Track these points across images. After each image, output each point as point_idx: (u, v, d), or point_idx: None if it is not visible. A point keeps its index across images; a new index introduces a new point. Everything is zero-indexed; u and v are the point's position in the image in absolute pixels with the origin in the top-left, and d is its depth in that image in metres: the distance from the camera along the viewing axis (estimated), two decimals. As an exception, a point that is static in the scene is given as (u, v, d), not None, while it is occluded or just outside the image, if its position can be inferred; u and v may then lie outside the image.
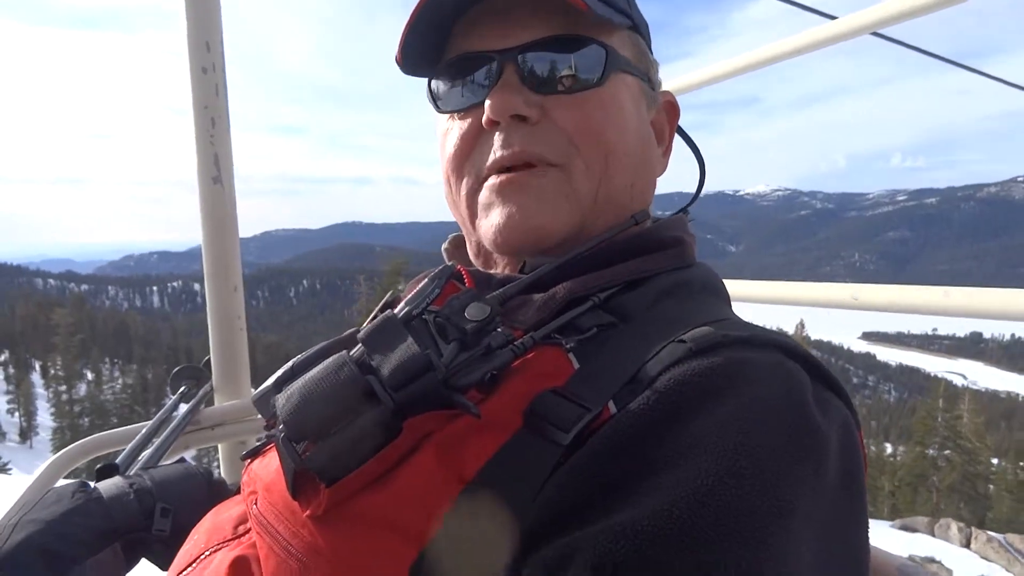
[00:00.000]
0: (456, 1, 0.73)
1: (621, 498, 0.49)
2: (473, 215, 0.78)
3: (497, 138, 0.73)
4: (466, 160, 0.77)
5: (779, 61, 1.42)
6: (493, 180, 0.74)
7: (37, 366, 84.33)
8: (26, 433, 66.58)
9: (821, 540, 0.49)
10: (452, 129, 0.78)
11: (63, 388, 66.98)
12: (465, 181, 0.78)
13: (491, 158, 0.74)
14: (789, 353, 0.60)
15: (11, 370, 78.25)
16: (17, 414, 68.70)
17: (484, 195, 0.75)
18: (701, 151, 0.94)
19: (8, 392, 71.30)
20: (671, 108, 0.88)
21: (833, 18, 1.31)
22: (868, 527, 0.56)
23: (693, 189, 0.95)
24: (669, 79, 1.77)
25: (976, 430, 36.69)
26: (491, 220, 0.74)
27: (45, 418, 69.95)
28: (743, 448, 0.49)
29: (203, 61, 1.48)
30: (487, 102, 0.72)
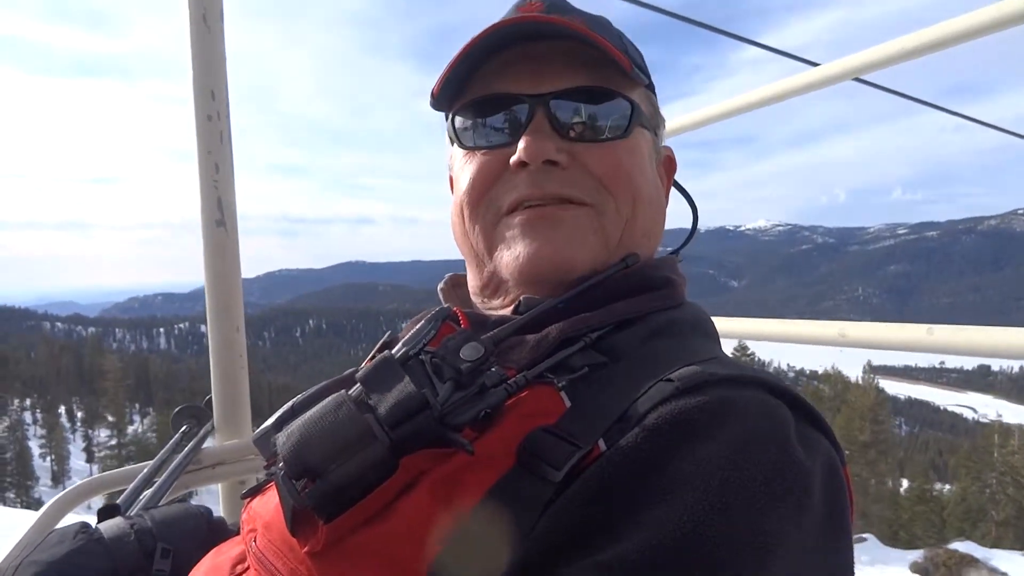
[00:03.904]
0: (497, 43, 0.75)
1: (610, 534, 0.50)
2: (491, 246, 0.79)
3: (524, 178, 0.75)
4: (485, 195, 0.79)
5: (769, 104, 1.47)
6: (521, 214, 0.76)
7: (63, 410, 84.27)
8: (58, 477, 66.34)
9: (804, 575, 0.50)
10: (472, 164, 0.80)
11: (111, 432, 67.07)
12: (482, 215, 0.80)
13: (515, 195, 0.76)
14: (773, 391, 0.61)
15: (39, 414, 78.37)
16: (49, 458, 68.35)
17: (509, 229, 0.77)
18: (694, 200, 0.97)
19: (40, 436, 71.22)
20: (669, 162, 0.92)
21: (815, 64, 1.37)
22: (853, 562, 0.57)
23: (688, 226, 0.98)
24: (667, 120, 1.83)
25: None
26: (516, 250, 0.76)
27: (75, 463, 69.73)
28: (728, 485, 0.50)
29: (208, 109, 1.53)
30: (521, 144, 0.74)
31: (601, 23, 0.81)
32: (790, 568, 0.49)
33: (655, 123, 0.86)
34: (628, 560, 0.47)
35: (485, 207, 0.79)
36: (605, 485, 0.54)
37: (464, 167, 0.81)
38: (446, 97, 0.82)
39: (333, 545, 0.55)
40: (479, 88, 0.79)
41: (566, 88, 0.76)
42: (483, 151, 0.79)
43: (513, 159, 0.75)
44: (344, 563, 0.54)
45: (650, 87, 0.85)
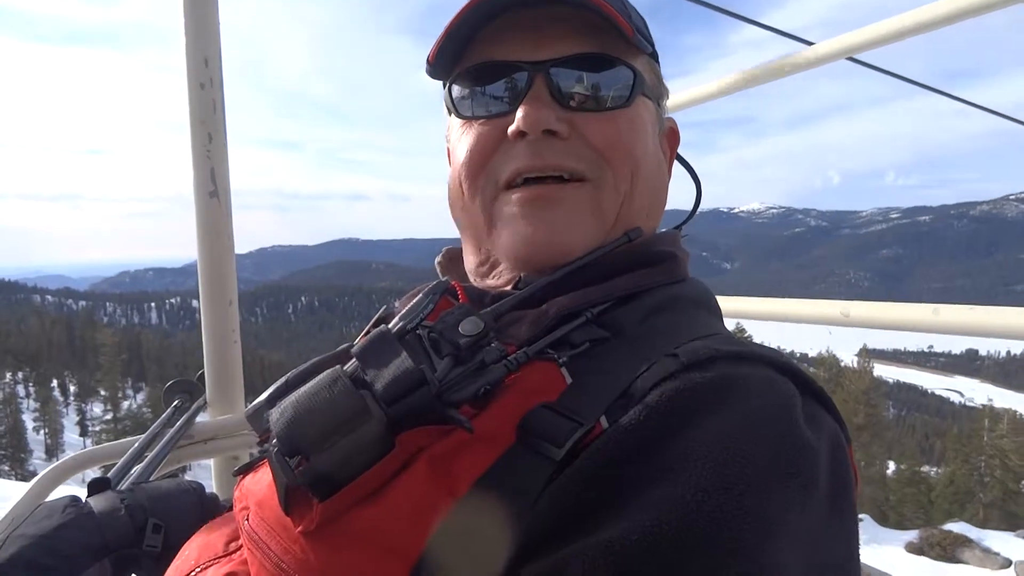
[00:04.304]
0: (494, 6, 0.72)
1: (612, 512, 0.49)
2: (491, 224, 0.77)
3: (523, 148, 0.73)
4: (484, 167, 0.76)
5: (761, 84, 1.46)
6: (519, 192, 0.74)
7: (55, 384, 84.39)
8: (52, 451, 66.61)
9: (809, 555, 0.49)
10: (469, 135, 0.77)
11: (106, 407, 67.03)
12: (481, 188, 0.77)
13: (513, 165, 0.73)
14: (779, 368, 0.60)
15: (32, 387, 78.60)
16: (43, 432, 68.48)
17: (507, 207, 0.75)
18: (697, 174, 0.95)
19: (33, 410, 71.32)
20: (672, 135, 0.89)
21: (810, 44, 1.35)
22: (858, 542, 0.56)
23: (688, 206, 0.96)
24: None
25: (1018, 449, 37.06)
26: (513, 234, 0.74)
27: (69, 436, 69.94)
28: (732, 464, 0.49)
29: (201, 76, 1.49)
30: (519, 113, 0.71)
31: None
32: (794, 549, 0.48)
33: (658, 93, 0.83)
34: (630, 540, 0.46)
35: (484, 179, 0.77)
36: (607, 463, 0.52)
37: (462, 137, 0.78)
38: (442, 65, 0.79)
39: (328, 524, 0.53)
40: (476, 55, 0.76)
41: (566, 55, 0.73)
42: (481, 120, 0.77)
43: (511, 128, 0.72)
44: (339, 542, 0.53)
45: (653, 56, 0.82)
